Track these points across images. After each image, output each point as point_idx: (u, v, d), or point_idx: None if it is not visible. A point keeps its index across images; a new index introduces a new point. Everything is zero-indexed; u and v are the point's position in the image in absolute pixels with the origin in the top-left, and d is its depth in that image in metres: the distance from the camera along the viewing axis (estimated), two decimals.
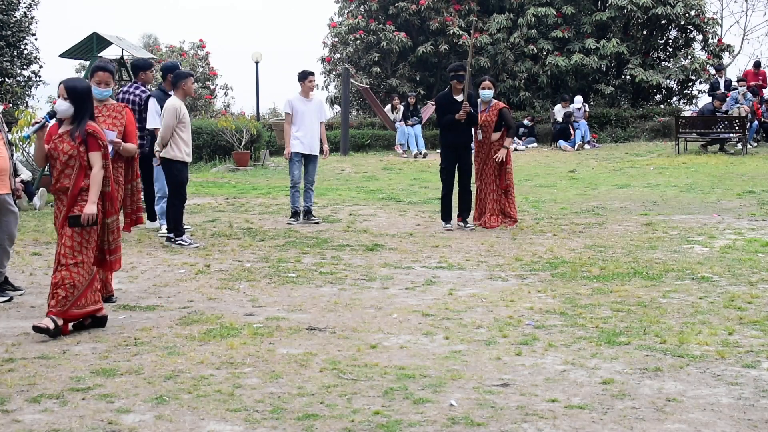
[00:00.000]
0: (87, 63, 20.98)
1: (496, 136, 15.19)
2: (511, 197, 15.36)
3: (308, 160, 15.75)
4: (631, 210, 16.91)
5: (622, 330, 8.47)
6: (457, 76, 15.04)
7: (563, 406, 6.40)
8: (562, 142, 30.92)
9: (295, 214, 15.68)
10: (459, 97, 14.92)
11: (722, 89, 31.03)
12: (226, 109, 40.38)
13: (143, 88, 14.58)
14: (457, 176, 15.00)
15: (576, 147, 30.63)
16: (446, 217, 14.98)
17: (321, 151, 16.12)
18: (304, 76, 15.82)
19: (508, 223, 15.12)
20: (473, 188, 15.16)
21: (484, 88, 15.38)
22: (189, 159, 13.38)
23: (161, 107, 13.64)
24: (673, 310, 9.24)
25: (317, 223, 15.54)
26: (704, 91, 35.93)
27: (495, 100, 15.37)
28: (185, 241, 13.15)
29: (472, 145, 15.33)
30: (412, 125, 30.23)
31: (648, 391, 6.71)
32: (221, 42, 76.65)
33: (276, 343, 8.08)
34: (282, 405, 6.41)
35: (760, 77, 31.61)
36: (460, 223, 14.97)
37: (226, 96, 41.85)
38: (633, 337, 8.20)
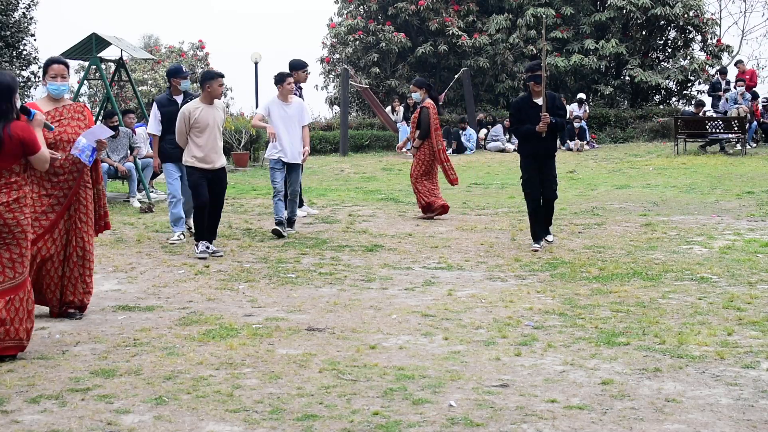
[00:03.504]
0: (86, 63, 20.94)
1: (418, 132, 16.35)
2: (426, 186, 16.36)
3: (291, 168, 14.43)
4: (631, 210, 16.90)
5: (622, 330, 8.48)
6: (534, 77, 12.95)
7: (562, 406, 6.41)
8: (569, 143, 30.90)
9: (279, 224, 14.18)
10: (539, 101, 12.85)
11: (722, 90, 31.07)
12: (227, 108, 40.38)
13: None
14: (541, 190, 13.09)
15: (575, 148, 30.64)
16: (535, 235, 13.09)
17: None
18: (281, 79, 14.36)
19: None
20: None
21: (413, 91, 16.60)
22: (200, 164, 12.48)
23: (162, 113, 13.66)
24: (672, 310, 9.24)
25: (294, 232, 14.44)
26: (704, 92, 35.98)
27: (429, 100, 16.31)
28: (197, 248, 12.53)
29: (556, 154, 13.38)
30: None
31: (647, 392, 6.72)
32: (221, 42, 76.64)
33: (275, 344, 8.09)
34: (281, 405, 6.41)
35: (747, 75, 31.62)
36: (546, 238, 13.17)
37: (225, 97, 41.90)
38: (632, 338, 8.21)
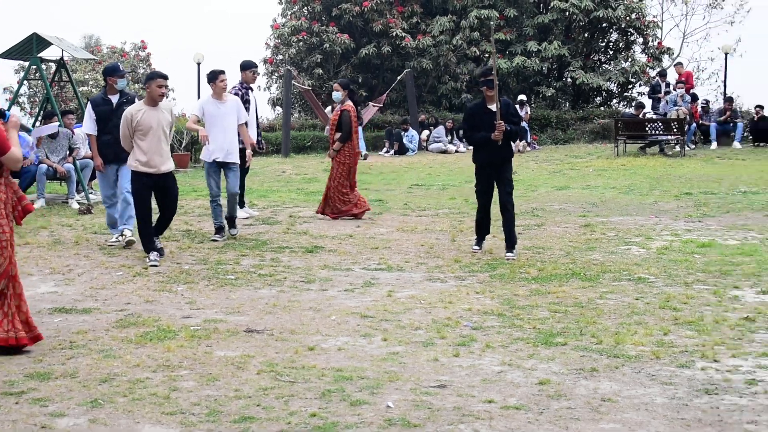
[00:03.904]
0: (27, 64, 20.72)
1: (338, 135, 16.30)
2: (342, 194, 16.35)
3: (227, 168, 14.04)
4: (570, 211, 17.01)
5: (559, 331, 8.53)
6: (486, 82, 12.62)
7: (499, 406, 6.43)
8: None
9: (219, 230, 13.88)
10: (493, 107, 12.51)
11: (662, 93, 31.38)
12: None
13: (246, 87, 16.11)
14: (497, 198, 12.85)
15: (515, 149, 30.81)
16: (478, 237, 13.03)
17: (244, 156, 14.73)
18: (214, 77, 14.10)
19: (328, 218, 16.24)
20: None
21: (335, 90, 16.59)
22: (143, 169, 12.01)
23: (96, 112, 13.46)
24: (609, 310, 9.31)
25: (234, 236, 13.99)
26: (644, 94, 36.31)
27: (349, 101, 16.35)
28: (149, 259, 12.09)
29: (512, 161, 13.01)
30: None
31: (583, 392, 6.77)
32: (163, 43, 76.17)
33: (213, 346, 8.05)
34: (218, 408, 6.39)
35: (683, 78, 31.96)
36: (507, 255, 12.45)
37: (167, 97, 41.66)
38: (570, 338, 8.26)
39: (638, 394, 6.74)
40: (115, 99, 13.57)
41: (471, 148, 13.23)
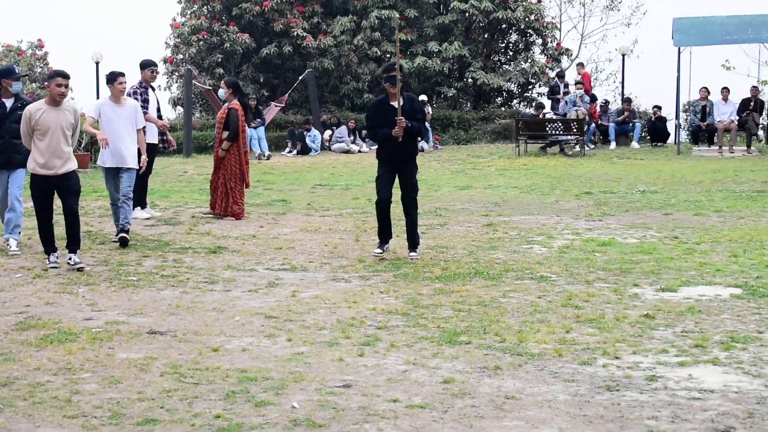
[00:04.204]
0: None
1: (226, 134, 16.27)
2: (241, 194, 16.46)
3: (122, 170, 13.69)
4: (473, 211, 17.12)
5: (463, 329, 8.58)
6: (389, 78, 12.62)
7: (404, 405, 6.45)
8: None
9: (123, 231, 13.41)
10: (396, 104, 12.41)
11: (561, 93, 31.76)
12: None
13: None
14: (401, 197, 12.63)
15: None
16: (381, 238, 12.62)
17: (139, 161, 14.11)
18: (113, 78, 13.74)
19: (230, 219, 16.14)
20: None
21: (220, 88, 16.71)
22: (41, 171, 11.59)
23: None
24: (512, 309, 9.39)
25: (127, 241, 13.24)
26: (544, 94, 36.70)
27: (236, 102, 16.36)
28: (49, 261, 11.87)
29: (416, 160, 12.85)
30: (255, 127, 30.10)
31: (487, 390, 6.82)
32: (61, 42, 75.06)
33: (116, 348, 7.97)
34: (121, 410, 6.32)
35: (582, 79, 32.40)
36: (410, 255, 12.38)
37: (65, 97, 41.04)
38: (473, 337, 8.31)
39: (541, 391, 6.81)
40: (9, 103, 12.87)
41: (374, 147, 13.15)
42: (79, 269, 11.48)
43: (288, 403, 6.49)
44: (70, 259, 11.64)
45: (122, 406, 6.43)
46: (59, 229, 11.98)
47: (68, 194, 11.82)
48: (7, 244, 12.77)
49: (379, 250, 12.50)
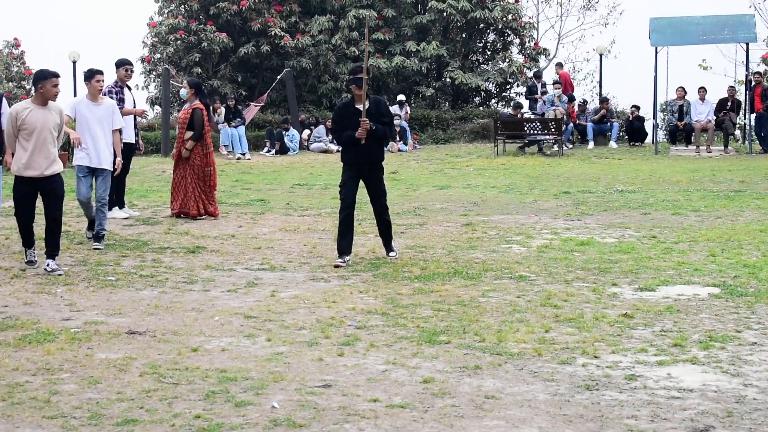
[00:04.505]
0: None
1: (189, 134, 16.23)
2: (211, 195, 16.39)
3: (97, 173, 13.35)
4: (452, 211, 17.14)
5: (443, 329, 8.59)
6: (355, 80, 12.14)
7: (385, 405, 6.46)
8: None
9: (92, 224, 13.44)
10: (361, 106, 11.98)
11: (539, 93, 31.82)
12: None
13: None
14: (370, 202, 12.43)
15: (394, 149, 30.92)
16: (340, 248, 12.04)
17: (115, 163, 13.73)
18: (91, 75, 13.36)
19: (209, 218, 16.15)
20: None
21: (182, 88, 16.69)
22: (25, 172, 11.31)
23: None
24: (492, 308, 9.41)
25: (100, 248, 12.94)
26: (521, 94, 36.74)
27: (197, 100, 16.38)
28: (26, 256, 11.72)
29: (383, 163, 12.39)
30: (235, 126, 30.07)
31: (467, 389, 6.82)
32: (37, 40, 74.78)
33: (94, 348, 7.94)
34: (100, 411, 6.30)
35: (560, 79, 32.46)
36: (389, 255, 12.28)
37: None
38: (453, 336, 8.32)
39: (521, 390, 6.82)
40: None
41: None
42: (59, 274, 11.21)
43: (268, 403, 6.48)
44: (47, 265, 11.35)
45: (102, 406, 6.40)
46: (39, 230, 11.91)
47: (52, 199, 11.55)
48: None
49: (340, 261, 11.87)
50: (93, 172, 13.42)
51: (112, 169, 13.52)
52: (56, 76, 11.57)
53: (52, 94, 11.50)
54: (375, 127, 11.92)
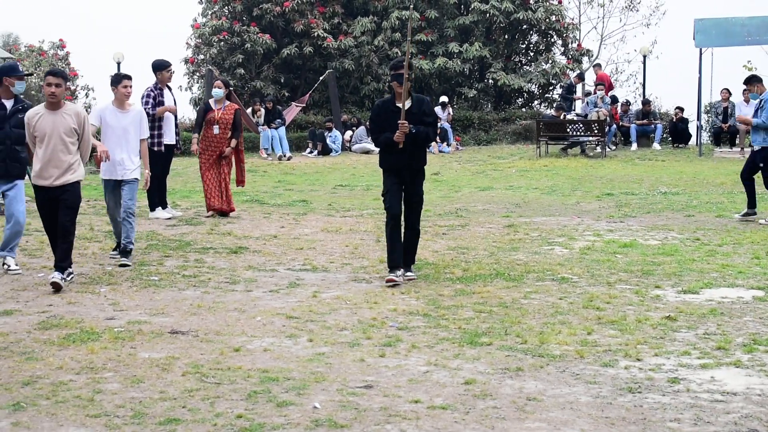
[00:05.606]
0: None
1: (233, 133, 16.46)
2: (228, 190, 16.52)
3: (124, 184, 12.29)
4: (494, 212, 17.10)
5: (484, 331, 8.57)
6: (396, 77, 11.03)
7: (426, 406, 6.45)
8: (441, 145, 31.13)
9: (118, 246, 12.37)
10: (401, 104, 10.93)
11: (581, 95, 31.70)
12: (87, 110, 39.54)
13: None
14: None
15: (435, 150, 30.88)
16: (392, 262, 11.04)
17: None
18: (118, 80, 12.47)
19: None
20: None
21: (215, 87, 16.59)
22: (37, 181, 10.76)
23: None
24: (533, 310, 9.38)
25: (128, 265, 11.83)
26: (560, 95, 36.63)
27: (228, 101, 16.49)
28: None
29: (425, 168, 11.45)
30: (276, 127, 30.15)
31: (509, 391, 6.81)
32: (83, 42, 75.21)
33: (137, 347, 7.99)
34: (143, 410, 6.33)
35: (599, 79, 32.29)
36: (407, 275, 11.12)
37: (87, 97, 41.14)
38: (495, 338, 8.31)
39: (563, 393, 6.80)
40: (9, 104, 11.38)
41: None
42: (55, 287, 10.37)
43: (310, 403, 6.50)
44: (52, 277, 10.48)
45: (144, 405, 6.44)
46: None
47: (63, 209, 10.74)
48: (5, 264, 11.56)
49: (392, 276, 10.88)
50: (118, 183, 12.41)
51: (138, 179, 12.57)
52: (53, 74, 10.76)
53: (47, 93, 10.69)
54: (415, 129, 10.95)
